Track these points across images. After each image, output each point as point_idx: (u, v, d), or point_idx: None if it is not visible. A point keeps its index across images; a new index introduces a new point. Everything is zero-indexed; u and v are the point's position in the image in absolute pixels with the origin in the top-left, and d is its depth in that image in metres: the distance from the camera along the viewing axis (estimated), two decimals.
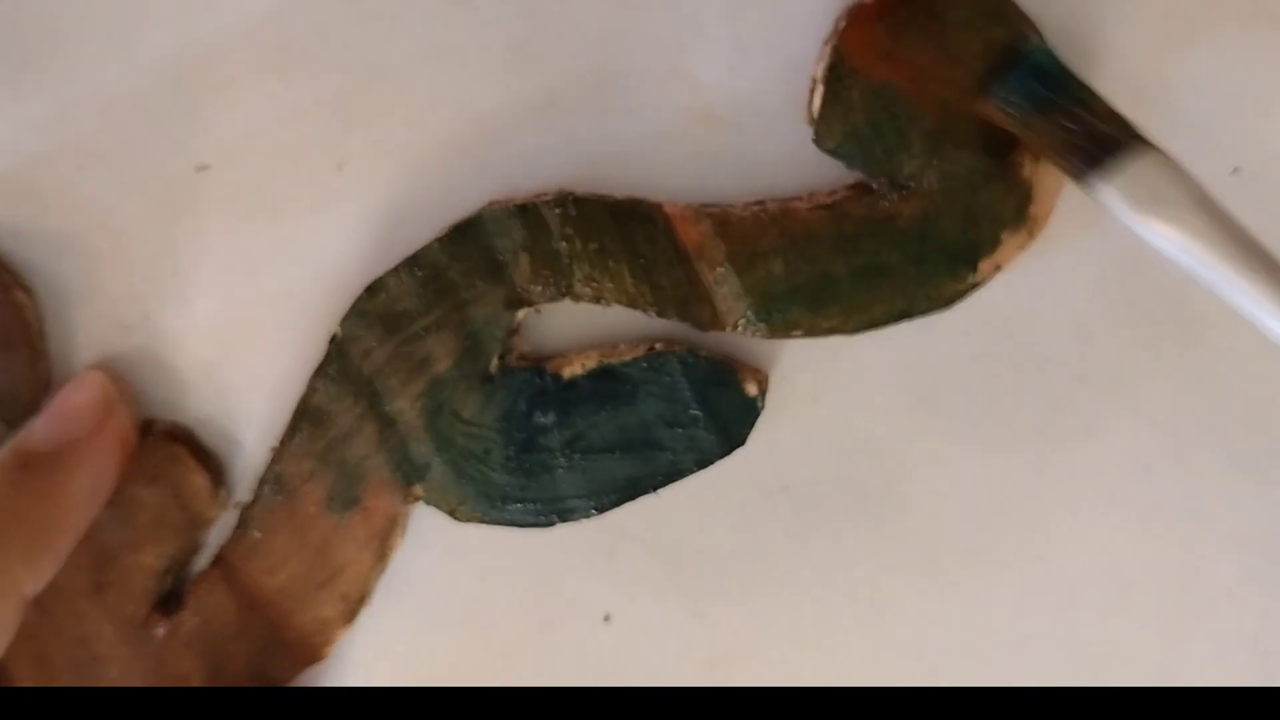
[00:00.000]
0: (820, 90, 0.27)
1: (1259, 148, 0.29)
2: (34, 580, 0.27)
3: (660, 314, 0.28)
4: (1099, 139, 0.25)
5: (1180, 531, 0.30)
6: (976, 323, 0.29)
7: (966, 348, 0.30)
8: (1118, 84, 0.28)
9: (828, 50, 0.27)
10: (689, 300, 0.28)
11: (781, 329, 0.28)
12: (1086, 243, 0.29)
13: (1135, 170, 0.25)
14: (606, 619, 0.30)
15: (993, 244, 0.28)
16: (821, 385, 0.30)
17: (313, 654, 0.29)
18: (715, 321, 0.28)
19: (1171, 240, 0.25)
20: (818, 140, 0.28)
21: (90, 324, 0.29)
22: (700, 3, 0.28)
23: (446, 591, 0.30)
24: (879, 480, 0.30)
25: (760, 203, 0.28)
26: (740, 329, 0.28)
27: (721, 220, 0.28)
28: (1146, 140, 0.25)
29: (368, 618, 0.29)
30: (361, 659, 0.30)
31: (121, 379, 0.28)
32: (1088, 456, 0.30)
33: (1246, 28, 0.29)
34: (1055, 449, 0.30)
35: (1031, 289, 0.29)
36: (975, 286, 0.28)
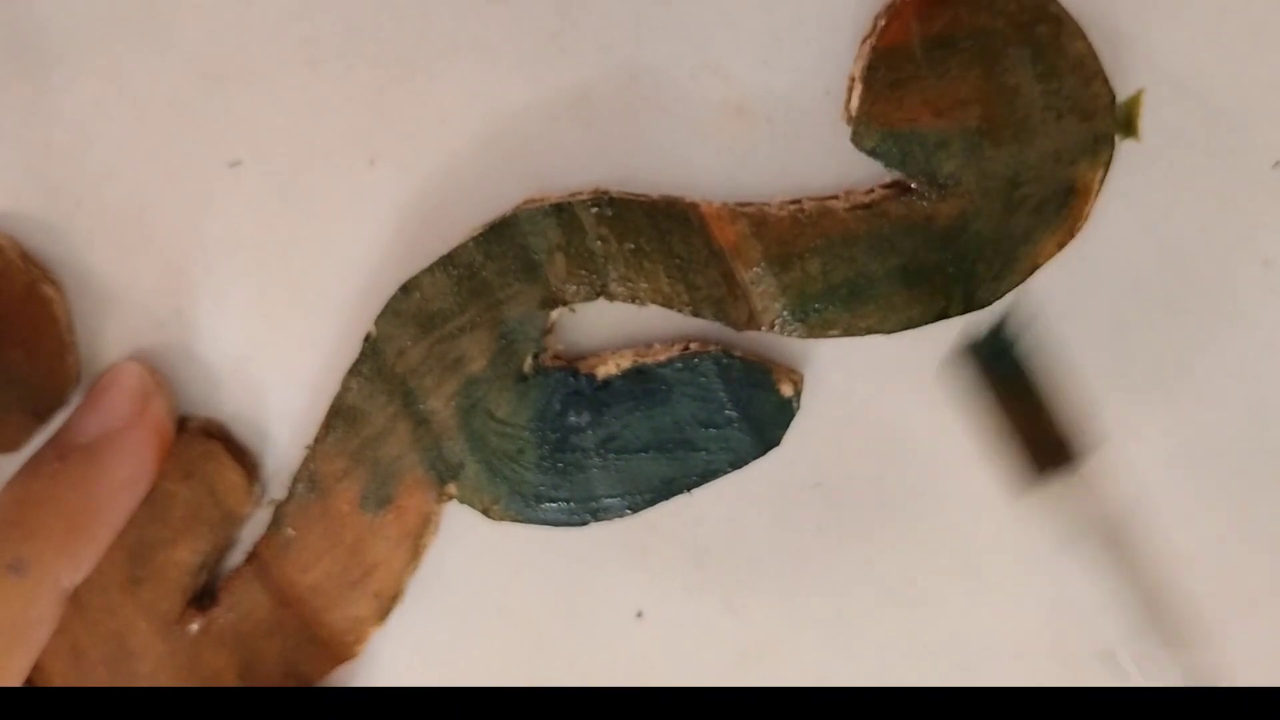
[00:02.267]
0: (859, 89, 0.27)
1: None
2: (73, 572, 0.27)
3: (696, 314, 0.28)
4: (1045, 451, 0.27)
5: (1219, 530, 0.30)
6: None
7: None
8: (1157, 78, 0.28)
9: (866, 49, 0.27)
10: (725, 300, 0.28)
11: (819, 329, 0.28)
12: (1124, 239, 0.29)
13: (1071, 496, 0.27)
14: (639, 616, 0.30)
15: (1032, 243, 0.27)
16: (855, 382, 0.30)
17: (345, 652, 0.29)
18: (751, 321, 0.28)
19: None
20: (856, 140, 0.27)
21: (123, 320, 0.29)
22: None
23: (479, 589, 0.30)
24: (912, 477, 0.30)
25: (797, 202, 0.28)
26: (777, 329, 0.28)
27: (758, 220, 0.28)
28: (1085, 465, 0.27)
29: (401, 615, 0.29)
30: (395, 657, 0.30)
31: (157, 371, 0.28)
32: (1123, 453, 0.30)
33: None
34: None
35: (1067, 285, 0.29)
36: (1014, 285, 0.28)
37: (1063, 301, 0.29)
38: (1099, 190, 0.27)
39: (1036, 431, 0.26)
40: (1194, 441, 0.30)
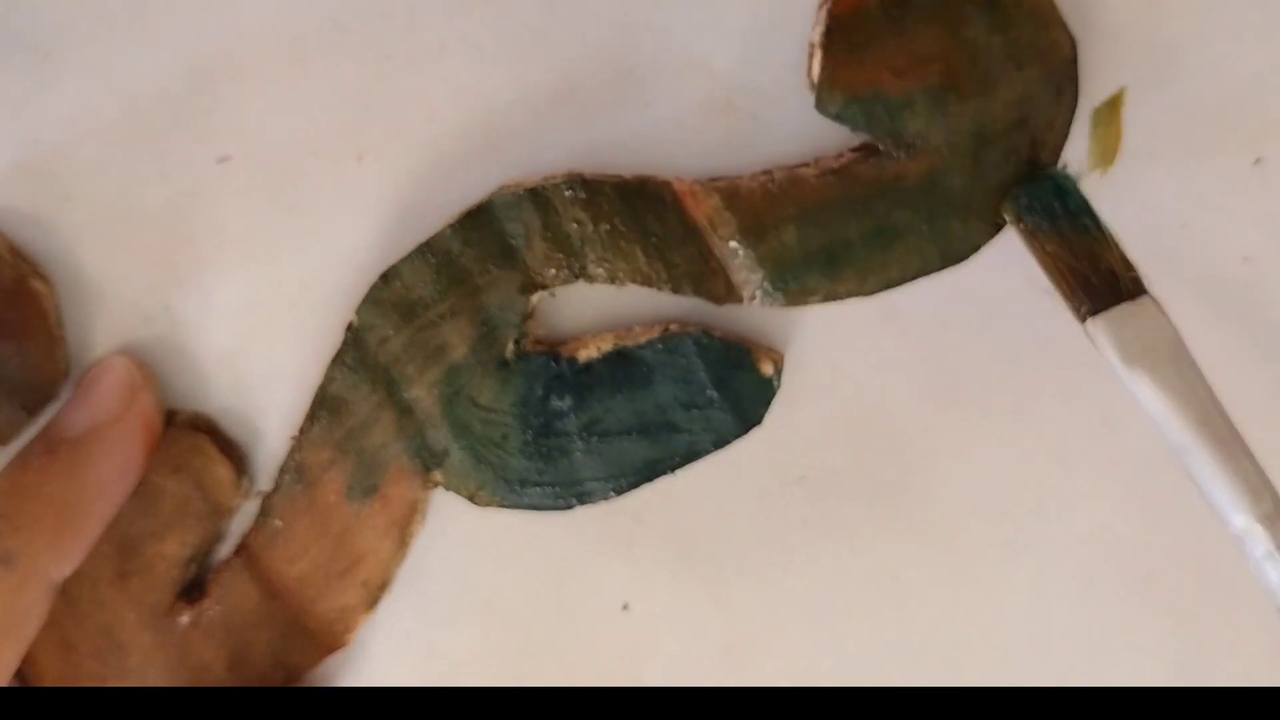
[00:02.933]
0: (819, 55, 0.27)
1: None
2: (62, 566, 0.27)
3: (675, 291, 0.28)
4: (1106, 282, 0.26)
5: (1198, 523, 0.28)
6: (994, 312, 0.29)
7: (984, 336, 0.29)
8: (1139, 75, 0.28)
9: (824, 14, 0.27)
10: (703, 275, 0.28)
11: (799, 297, 0.28)
12: None
13: (1132, 322, 0.26)
14: (625, 607, 0.30)
15: (1003, 193, 0.27)
16: (838, 374, 0.30)
17: (335, 641, 0.29)
18: (731, 294, 0.28)
19: (1149, 397, 0.26)
20: (820, 106, 0.27)
21: (112, 314, 0.29)
22: None
23: (466, 578, 0.30)
24: (896, 470, 0.30)
25: (767, 172, 0.28)
26: (757, 300, 0.28)
27: (730, 193, 0.28)
28: (1150, 294, 0.27)
29: (389, 607, 0.29)
30: (383, 647, 0.29)
31: (145, 365, 0.29)
32: (1106, 446, 0.30)
33: (1269, 16, 0.28)
34: (1074, 438, 0.30)
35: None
36: (990, 237, 0.27)
37: (1045, 296, 0.28)
38: (1067, 137, 0.27)
39: (1099, 265, 0.26)
40: None
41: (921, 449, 0.30)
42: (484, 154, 0.29)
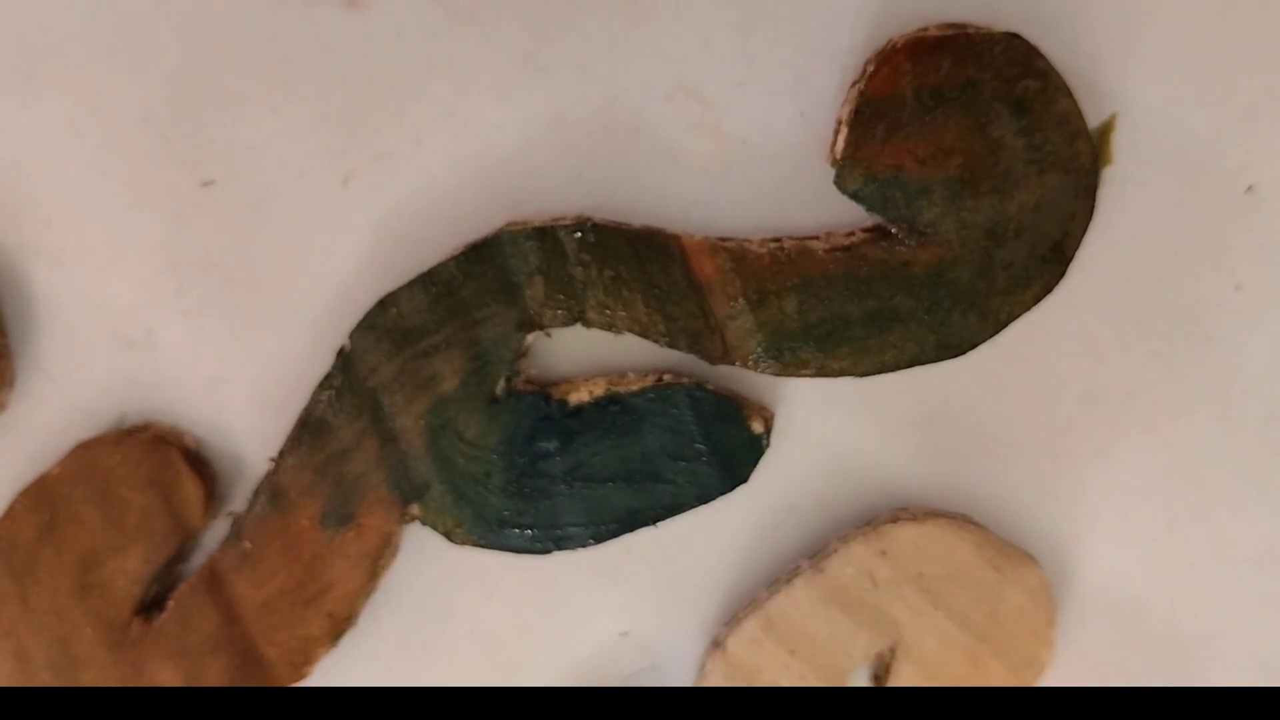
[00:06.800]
0: (844, 133, 0.27)
1: (1272, 165, 0.29)
2: None
3: (671, 345, 0.28)
4: None
5: (1192, 552, 0.30)
6: (986, 341, 0.29)
7: (976, 366, 0.29)
8: (1131, 102, 0.28)
9: (854, 94, 0.27)
10: (700, 333, 0.28)
11: (792, 367, 0.28)
12: (1098, 263, 0.29)
13: None
14: (624, 635, 0.30)
15: (1008, 295, 0.28)
16: (830, 403, 0.30)
17: (292, 674, 0.28)
18: (725, 355, 0.28)
19: None
20: (839, 182, 0.28)
21: (94, 337, 0.28)
22: (709, 19, 0.28)
23: (447, 611, 0.30)
24: (886, 500, 0.30)
25: (777, 240, 0.28)
26: (750, 364, 0.28)
27: (738, 255, 0.28)
28: None
29: (367, 635, 0.29)
30: (360, 678, 0.29)
31: None
32: (1099, 476, 0.30)
33: (1260, 43, 0.29)
34: (1066, 469, 0.30)
35: (1042, 307, 0.29)
36: (988, 336, 0.28)
37: (1038, 323, 0.29)
38: (1078, 248, 0.28)
39: None
40: (1168, 464, 0.30)
41: (911, 479, 0.30)
42: (471, 178, 0.29)
